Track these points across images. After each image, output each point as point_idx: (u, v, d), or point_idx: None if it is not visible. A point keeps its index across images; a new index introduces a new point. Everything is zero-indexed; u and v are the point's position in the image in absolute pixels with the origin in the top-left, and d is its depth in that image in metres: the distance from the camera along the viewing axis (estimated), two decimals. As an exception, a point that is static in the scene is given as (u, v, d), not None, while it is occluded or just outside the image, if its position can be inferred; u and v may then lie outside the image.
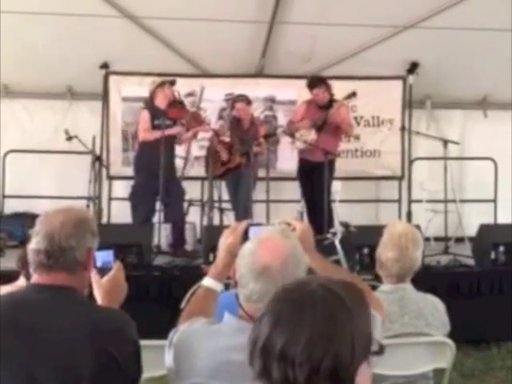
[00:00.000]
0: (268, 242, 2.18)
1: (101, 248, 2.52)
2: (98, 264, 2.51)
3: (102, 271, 2.52)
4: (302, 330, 1.34)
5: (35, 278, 2.30)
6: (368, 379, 1.41)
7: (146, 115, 7.34)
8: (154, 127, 7.23)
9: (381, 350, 1.43)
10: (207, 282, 2.52)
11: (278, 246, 2.16)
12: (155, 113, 7.28)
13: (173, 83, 7.46)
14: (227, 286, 2.61)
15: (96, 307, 2.39)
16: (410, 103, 8.95)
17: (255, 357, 1.39)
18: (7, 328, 2.13)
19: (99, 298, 2.50)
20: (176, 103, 7.49)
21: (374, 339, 1.42)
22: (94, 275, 2.47)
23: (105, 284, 2.51)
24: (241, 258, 2.20)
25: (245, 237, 2.52)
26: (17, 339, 2.11)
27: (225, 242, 2.56)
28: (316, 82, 7.78)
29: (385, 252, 3.31)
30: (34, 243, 2.29)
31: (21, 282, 3.25)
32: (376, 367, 1.46)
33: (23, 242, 2.80)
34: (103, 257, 2.55)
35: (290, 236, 2.29)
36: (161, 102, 7.34)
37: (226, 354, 2.08)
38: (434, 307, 3.34)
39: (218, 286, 2.51)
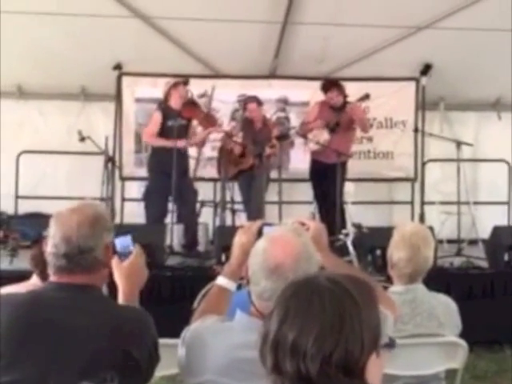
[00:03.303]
0: (280, 240, 2.18)
1: (119, 233, 2.52)
2: (118, 249, 2.48)
3: (123, 256, 2.50)
4: (312, 323, 1.35)
5: (55, 277, 2.29)
6: (378, 371, 1.42)
7: (157, 118, 7.34)
8: (166, 129, 7.24)
9: (392, 344, 1.43)
10: (221, 280, 2.53)
11: (290, 244, 2.16)
12: (168, 113, 7.28)
13: (186, 83, 7.47)
14: (240, 287, 2.61)
15: (116, 306, 2.37)
16: (423, 105, 8.92)
17: (266, 352, 1.40)
18: (27, 326, 2.13)
19: (120, 283, 2.47)
20: (190, 103, 7.49)
21: (384, 333, 1.42)
22: (114, 260, 2.44)
23: (125, 269, 2.47)
24: (253, 255, 2.20)
25: (259, 236, 2.51)
26: (36, 337, 2.12)
27: (239, 241, 2.57)
28: (330, 85, 7.75)
29: (396, 252, 3.28)
30: (52, 246, 2.26)
31: (33, 280, 3.25)
32: (388, 367, 1.47)
33: (36, 242, 2.80)
34: (122, 242, 2.52)
35: (302, 234, 2.29)
36: (175, 102, 7.32)
37: (237, 351, 2.08)
38: (446, 307, 3.33)
39: (231, 285, 2.52)
